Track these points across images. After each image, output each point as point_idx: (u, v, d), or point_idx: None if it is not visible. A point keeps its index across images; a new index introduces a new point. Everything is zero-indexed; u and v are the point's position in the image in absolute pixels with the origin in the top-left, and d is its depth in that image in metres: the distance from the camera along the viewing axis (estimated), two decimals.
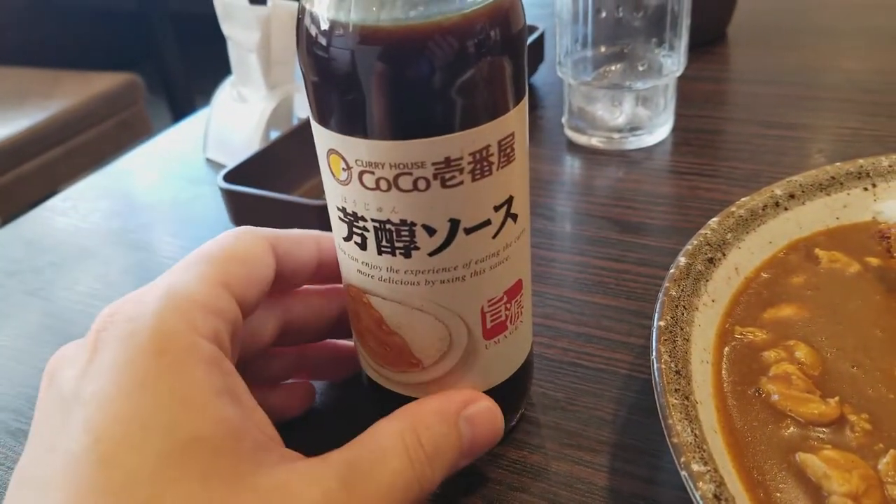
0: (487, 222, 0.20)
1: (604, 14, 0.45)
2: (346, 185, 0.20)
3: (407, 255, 0.20)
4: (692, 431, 0.21)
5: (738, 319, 0.27)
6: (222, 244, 0.22)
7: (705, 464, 0.20)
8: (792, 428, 0.23)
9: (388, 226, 0.20)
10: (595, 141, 0.47)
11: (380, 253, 0.21)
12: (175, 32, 2.00)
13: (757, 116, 0.50)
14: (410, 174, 0.19)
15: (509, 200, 0.21)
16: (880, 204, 0.33)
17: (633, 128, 0.47)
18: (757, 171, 0.43)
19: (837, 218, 0.32)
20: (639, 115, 0.47)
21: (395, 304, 0.21)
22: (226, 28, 0.48)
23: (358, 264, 0.21)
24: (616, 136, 0.47)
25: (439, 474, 0.21)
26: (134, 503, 0.15)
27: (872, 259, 0.30)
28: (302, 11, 0.19)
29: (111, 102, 1.59)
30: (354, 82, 0.18)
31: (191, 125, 0.59)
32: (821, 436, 0.23)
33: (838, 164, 0.33)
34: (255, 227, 0.23)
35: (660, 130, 0.47)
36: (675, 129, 0.49)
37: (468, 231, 0.20)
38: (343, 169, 0.20)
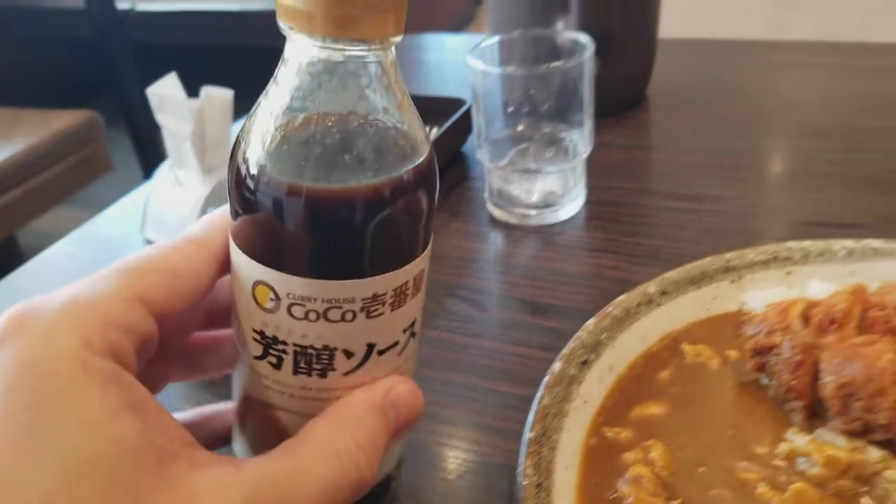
0: (396, 343, 0.23)
1: (513, 102, 0.49)
2: (272, 313, 0.22)
3: (323, 375, 0.22)
4: None
5: (607, 419, 0.31)
6: (149, 254, 0.21)
7: None
8: None
9: (309, 350, 0.22)
10: (513, 218, 0.51)
11: (295, 373, 0.22)
12: (136, 62, 2.00)
13: (663, 187, 0.54)
14: (340, 308, 0.21)
15: (414, 322, 0.24)
16: (746, 294, 0.36)
17: (547, 204, 0.50)
18: (657, 248, 0.47)
19: (708, 309, 0.36)
20: (551, 193, 0.50)
21: (301, 418, 0.23)
22: (160, 118, 0.51)
23: (268, 381, 0.23)
24: (532, 212, 0.50)
25: (375, 464, 0.21)
26: None
27: (732, 352, 0.34)
28: (240, 154, 0.21)
29: (71, 140, 1.58)
30: (303, 231, 0.20)
31: (129, 202, 0.61)
32: None
33: (708, 258, 0.37)
34: (199, 234, 0.23)
35: (571, 205, 0.51)
36: (588, 202, 0.52)
37: (381, 352, 0.23)
38: (271, 300, 0.21)
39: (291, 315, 0.21)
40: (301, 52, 0.20)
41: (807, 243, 0.38)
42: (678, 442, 0.29)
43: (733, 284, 0.37)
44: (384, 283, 0.21)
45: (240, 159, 0.21)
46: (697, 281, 0.36)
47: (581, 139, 0.49)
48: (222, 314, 0.25)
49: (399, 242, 0.22)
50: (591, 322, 0.33)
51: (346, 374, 0.22)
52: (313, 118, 0.20)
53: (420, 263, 0.23)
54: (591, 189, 0.53)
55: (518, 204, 0.51)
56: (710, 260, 0.37)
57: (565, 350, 0.32)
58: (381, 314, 0.22)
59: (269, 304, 0.21)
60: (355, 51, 0.20)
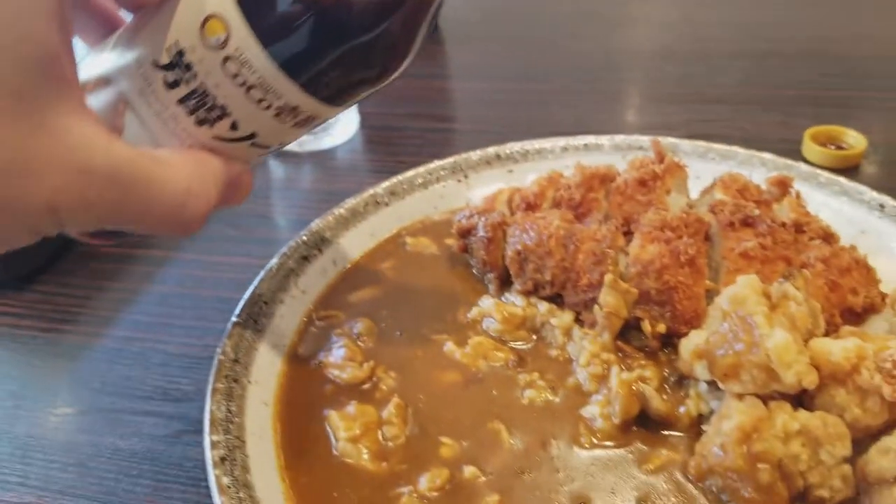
0: (268, 147, 0.24)
1: None
2: (208, 49, 0.21)
3: (199, 123, 0.23)
4: (227, 408, 0.26)
5: (325, 305, 0.33)
6: None
7: (226, 433, 0.25)
8: (331, 390, 0.29)
9: (208, 98, 0.22)
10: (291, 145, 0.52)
11: (179, 103, 0.22)
12: None
13: (435, 112, 0.57)
14: (265, 95, 0.22)
15: (286, 144, 0.26)
16: (471, 192, 0.40)
17: (321, 129, 0.52)
18: (417, 164, 0.50)
19: (436, 207, 0.39)
20: None
21: (145, 134, 0.23)
22: None
23: (149, 89, 0.23)
24: (307, 138, 0.52)
25: (204, 218, 0.23)
26: None
27: (450, 240, 0.37)
28: None
29: None
30: (298, 15, 0.21)
31: None
32: (351, 394, 0.29)
33: (436, 162, 0.40)
34: None
35: (344, 130, 0.53)
36: (363, 128, 0.55)
37: (254, 144, 0.24)
38: (218, 39, 0.21)
39: (224, 64, 0.21)
40: None
41: (526, 143, 0.42)
42: (382, 316, 0.33)
43: (460, 184, 0.40)
44: (312, 105, 0.23)
45: None
46: (425, 182, 0.39)
47: None
48: None
49: (348, 83, 0.23)
50: (315, 222, 0.35)
51: (216, 138, 0.23)
52: None
53: (330, 113, 0.24)
54: (367, 116, 0.55)
55: None
56: (439, 163, 0.40)
57: (284, 248, 0.34)
58: (284, 123, 0.23)
59: (211, 40, 0.21)
60: None
